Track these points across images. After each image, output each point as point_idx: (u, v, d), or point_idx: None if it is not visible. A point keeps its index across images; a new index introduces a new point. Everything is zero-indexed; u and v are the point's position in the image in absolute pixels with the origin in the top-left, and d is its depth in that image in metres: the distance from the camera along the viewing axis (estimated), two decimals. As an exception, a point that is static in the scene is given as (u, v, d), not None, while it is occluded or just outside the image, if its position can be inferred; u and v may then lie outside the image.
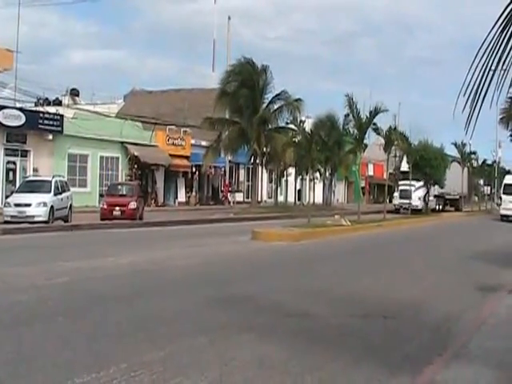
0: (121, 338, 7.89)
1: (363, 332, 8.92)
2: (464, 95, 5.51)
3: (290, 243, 21.79)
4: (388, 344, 8.26)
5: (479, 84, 5.47)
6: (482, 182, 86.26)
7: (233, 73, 45.74)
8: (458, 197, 62.63)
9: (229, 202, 53.92)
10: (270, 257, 18.61)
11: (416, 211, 50.17)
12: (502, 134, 75.02)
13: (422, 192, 53.21)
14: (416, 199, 51.37)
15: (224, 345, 7.69)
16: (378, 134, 40.40)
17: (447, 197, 61.35)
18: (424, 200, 53.14)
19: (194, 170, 53.58)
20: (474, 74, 5.47)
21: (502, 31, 5.41)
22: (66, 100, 58.86)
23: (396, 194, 54.85)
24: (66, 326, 8.47)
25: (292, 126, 48.97)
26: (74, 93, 63.49)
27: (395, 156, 55.57)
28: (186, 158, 52.11)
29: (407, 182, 50.76)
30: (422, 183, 52.86)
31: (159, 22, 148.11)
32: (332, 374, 6.84)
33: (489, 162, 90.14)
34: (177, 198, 52.85)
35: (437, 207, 59.24)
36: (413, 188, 50.55)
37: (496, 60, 5.44)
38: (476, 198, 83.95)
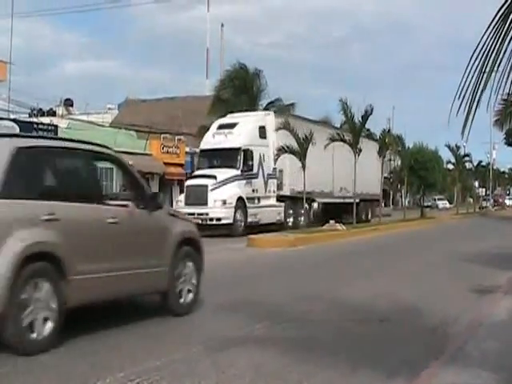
0: (117, 347, 7.88)
1: (360, 336, 8.92)
2: (459, 98, 5.51)
3: (286, 249, 21.80)
4: (384, 348, 8.26)
5: (474, 87, 5.47)
6: (476, 183, 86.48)
7: (227, 79, 45.72)
8: (350, 200, 34.68)
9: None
10: (266, 263, 18.60)
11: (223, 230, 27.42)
12: (496, 135, 75.13)
13: (230, 191, 28.38)
14: (216, 205, 27.92)
15: (221, 352, 7.68)
16: (371, 139, 40.22)
17: (324, 200, 34.96)
18: (237, 207, 28.24)
19: (188, 177, 53.54)
20: (468, 76, 5.47)
21: (495, 32, 5.42)
22: (60, 110, 58.76)
23: (181, 197, 30.43)
24: (61, 335, 8.44)
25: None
26: (68, 103, 63.45)
27: (390, 160, 55.66)
28: (181, 165, 52.03)
29: (202, 173, 29.42)
30: (235, 172, 29.00)
31: (152, 31, 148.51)
32: (329, 380, 6.84)
33: (483, 163, 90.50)
34: (172, 206, 52.79)
35: (289, 220, 31.33)
36: (210, 183, 28.23)
37: (491, 62, 5.45)
38: (471, 200, 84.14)
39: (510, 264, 18.04)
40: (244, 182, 29.03)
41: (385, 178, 51.72)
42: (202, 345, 7.97)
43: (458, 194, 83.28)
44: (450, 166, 71.18)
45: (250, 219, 28.96)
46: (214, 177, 28.30)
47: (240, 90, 44.88)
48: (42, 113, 54.13)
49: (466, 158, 68.89)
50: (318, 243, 24.33)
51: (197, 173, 28.99)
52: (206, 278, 14.44)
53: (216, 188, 27.99)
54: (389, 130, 44.07)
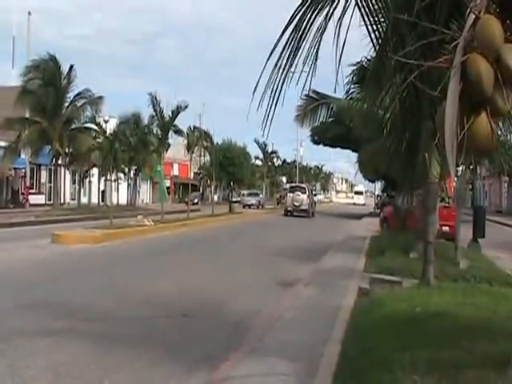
0: None
1: (164, 332, 8.96)
2: (262, 94, 5.62)
3: (92, 245, 21.36)
4: (188, 342, 8.35)
5: (274, 83, 5.62)
6: (284, 179, 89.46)
7: (34, 69, 44.02)
8: None
9: (29, 205, 51.97)
10: (70, 260, 18.14)
11: None
12: (304, 133, 77.03)
13: None
14: None
15: (18, 353, 7.40)
16: (180, 134, 40.36)
17: None
18: None
19: (-8, 171, 51.13)
20: (271, 72, 5.60)
21: (293, 31, 5.61)
22: None
23: None
24: None
25: (95, 127, 47.89)
26: None
27: (200, 155, 56.20)
28: (-16, 159, 49.66)
29: None
30: None
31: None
32: (131, 375, 6.84)
33: (289, 160, 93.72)
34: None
35: None
36: None
37: (290, 59, 5.63)
38: (278, 196, 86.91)
39: (312, 256, 18.85)
40: None
41: (194, 173, 52.12)
42: (-2, 346, 7.65)
43: (266, 190, 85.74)
44: (259, 162, 73.17)
45: None
46: None
47: (49, 81, 43.53)
48: None
49: (274, 155, 71.17)
50: (126, 239, 24.09)
51: None
52: (7, 277, 13.93)
53: None
54: (195, 127, 44.28)
